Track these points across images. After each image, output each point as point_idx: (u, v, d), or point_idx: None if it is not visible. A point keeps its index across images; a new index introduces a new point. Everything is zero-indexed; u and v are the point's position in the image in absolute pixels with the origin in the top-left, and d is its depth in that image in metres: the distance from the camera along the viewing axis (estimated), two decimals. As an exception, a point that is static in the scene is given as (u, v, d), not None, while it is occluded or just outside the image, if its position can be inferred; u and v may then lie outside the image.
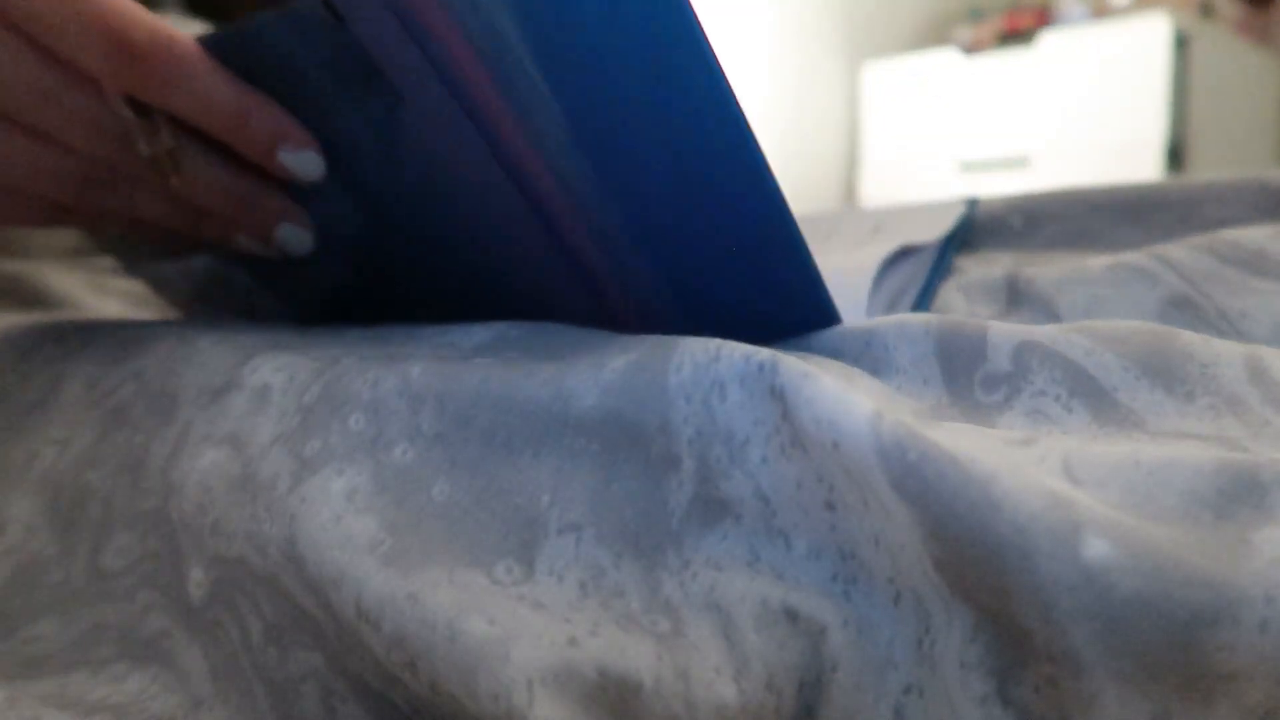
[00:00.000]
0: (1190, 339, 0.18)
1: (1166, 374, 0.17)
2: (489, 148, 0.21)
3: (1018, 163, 1.86)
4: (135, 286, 0.41)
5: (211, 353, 0.22)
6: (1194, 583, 0.12)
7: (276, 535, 0.17)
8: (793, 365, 0.16)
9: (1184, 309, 0.24)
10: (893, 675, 0.15)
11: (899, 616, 0.15)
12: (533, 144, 0.20)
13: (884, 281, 0.29)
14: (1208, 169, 1.78)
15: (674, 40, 0.17)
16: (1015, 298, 0.27)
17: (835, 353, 0.20)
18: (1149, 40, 1.68)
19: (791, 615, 0.15)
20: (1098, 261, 0.26)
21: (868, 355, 0.20)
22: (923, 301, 0.29)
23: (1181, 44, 1.69)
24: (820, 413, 0.15)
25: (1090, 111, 1.76)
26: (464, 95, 0.20)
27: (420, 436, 0.18)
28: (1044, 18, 2.01)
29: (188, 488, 0.20)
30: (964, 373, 0.18)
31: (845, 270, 0.28)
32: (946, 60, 1.95)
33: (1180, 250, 0.25)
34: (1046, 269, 0.27)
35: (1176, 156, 1.69)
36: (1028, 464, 0.15)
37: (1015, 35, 1.98)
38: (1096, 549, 0.12)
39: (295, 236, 0.26)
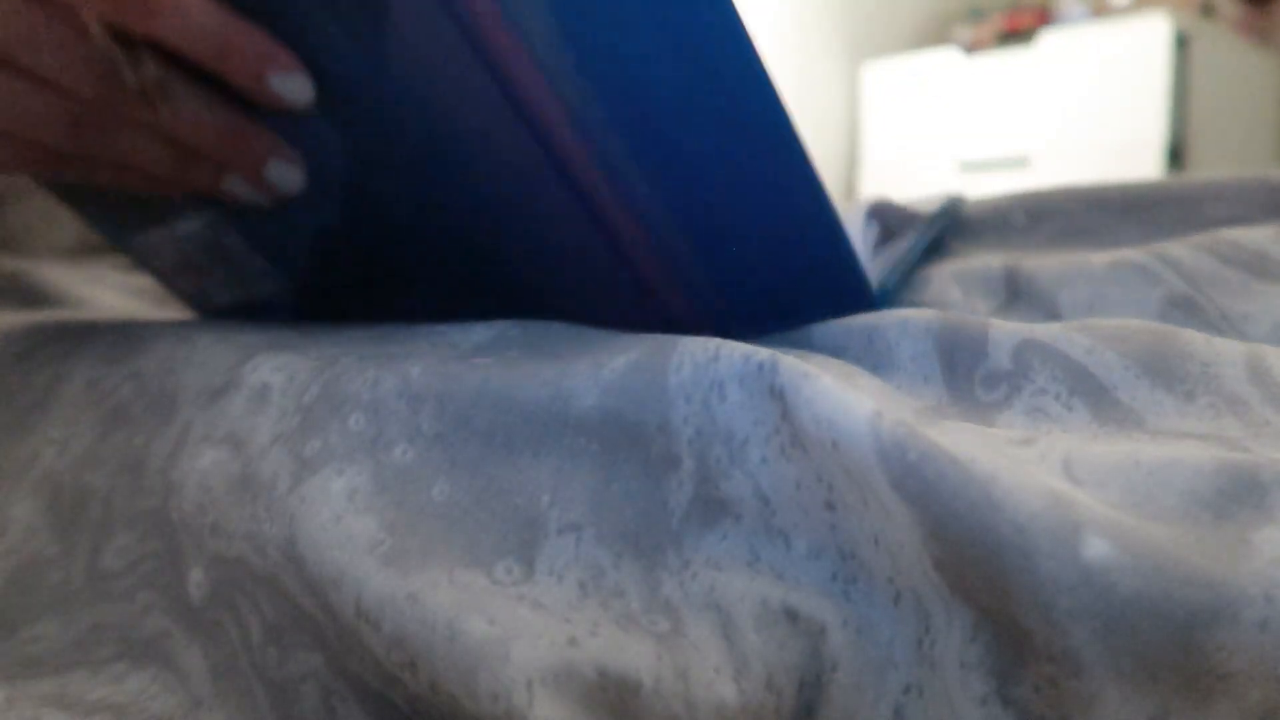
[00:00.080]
0: (1191, 338, 0.18)
1: (1167, 373, 0.17)
2: (498, 89, 0.20)
3: (1018, 163, 1.86)
4: (134, 281, 0.41)
5: (211, 352, 0.22)
6: (1194, 582, 0.12)
7: (276, 535, 0.17)
8: (792, 365, 0.16)
9: (1185, 309, 0.23)
10: (893, 675, 0.15)
11: (899, 616, 0.15)
12: (540, 70, 0.19)
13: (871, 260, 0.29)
14: (1208, 169, 1.78)
15: (707, 7, 0.17)
16: (1014, 293, 0.27)
17: (839, 349, 0.20)
18: (1149, 40, 1.68)
19: (791, 615, 0.15)
20: (1099, 258, 0.26)
21: (870, 352, 0.20)
22: (905, 276, 0.29)
23: (1181, 44, 1.69)
24: (820, 412, 0.15)
25: (1090, 111, 1.76)
26: (471, 31, 0.20)
27: (420, 436, 0.18)
28: (1044, 17, 2.01)
29: (187, 488, 0.20)
30: (964, 370, 0.18)
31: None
32: (946, 60, 1.95)
33: (1182, 250, 0.25)
34: (1047, 264, 0.27)
35: (1176, 156, 1.69)
36: (1028, 464, 0.15)
37: (1015, 35, 1.98)
38: (1096, 549, 0.12)
39: (286, 173, 0.26)
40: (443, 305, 0.28)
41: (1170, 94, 1.67)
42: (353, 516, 0.17)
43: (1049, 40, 1.80)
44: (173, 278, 0.34)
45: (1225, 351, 0.18)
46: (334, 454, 0.18)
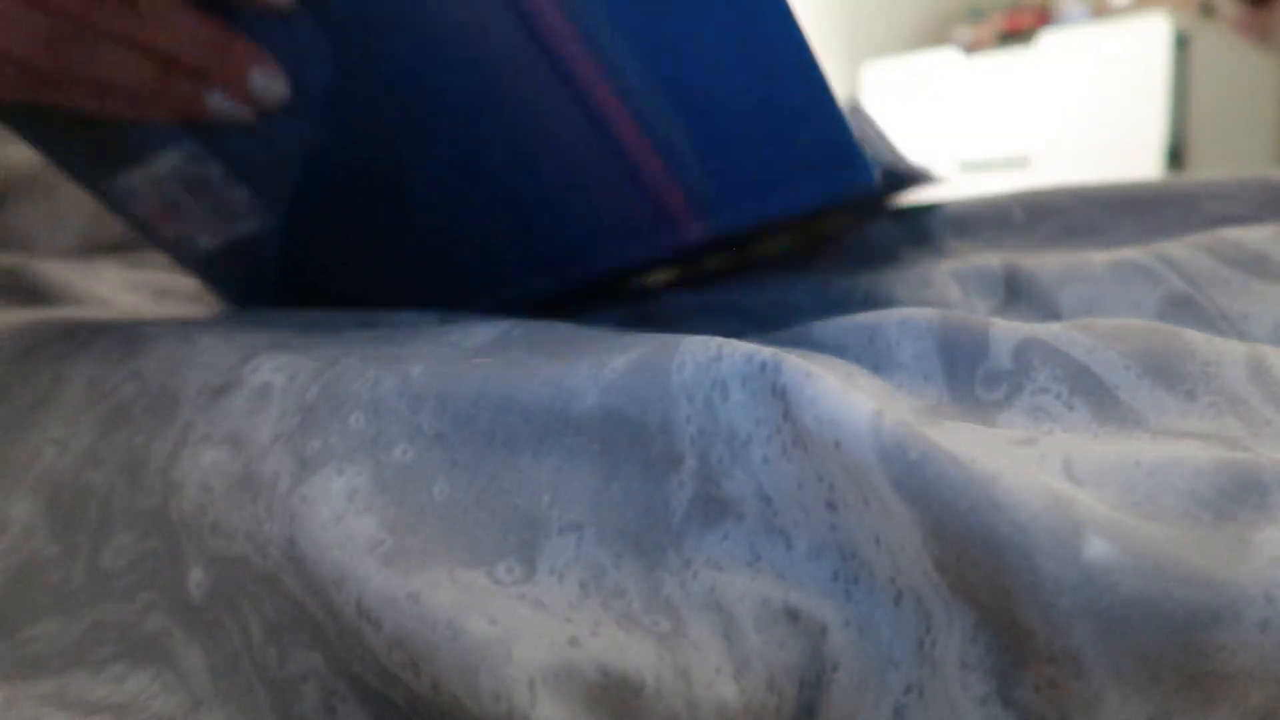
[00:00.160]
0: (1192, 337, 0.18)
1: (1168, 372, 0.17)
2: None
3: (1018, 163, 1.86)
4: (134, 277, 0.41)
5: (212, 352, 0.22)
6: (1194, 582, 0.12)
7: (277, 535, 0.17)
8: (795, 364, 0.16)
9: (1185, 309, 0.23)
10: (893, 675, 0.15)
11: (900, 616, 0.15)
12: None
13: None
14: (1208, 169, 1.78)
15: None
16: (1014, 292, 0.27)
17: (839, 348, 0.20)
18: (1149, 40, 1.68)
19: (792, 615, 0.15)
20: (1098, 258, 0.26)
21: (870, 350, 0.20)
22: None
23: (1181, 44, 1.69)
24: (822, 412, 0.15)
25: (1090, 111, 1.76)
26: None
27: (421, 436, 0.18)
28: (1044, 18, 2.01)
29: (188, 487, 0.20)
30: (965, 370, 0.18)
31: None
32: (946, 60, 1.95)
33: (1182, 249, 0.25)
34: (1046, 263, 0.27)
35: (1176, 156, 1.69)
36: (1028, 463, 0.15)
37: (1015, 35, 1.98)
38: (1097, 549, 0.12)
39: (268, 84, 0.26)
40: (432, 227, 0.27)
41: (1170, 94, 1.67)
42: (353, 516, 0.17)
43: (1049, 40, 1.80)
44: (154, 225, 0.33)
45: (1226, 351, 0.18)
46: (334, 453, 0.18)
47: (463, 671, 0.14)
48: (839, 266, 0.34)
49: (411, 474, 0.18)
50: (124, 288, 0.40)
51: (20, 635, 0.20)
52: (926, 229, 0.35)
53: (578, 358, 0.18)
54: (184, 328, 0.25)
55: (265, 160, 0.29)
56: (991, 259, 0.28)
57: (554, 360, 0.19)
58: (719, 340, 0.17)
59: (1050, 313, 0.25)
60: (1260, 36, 2.06)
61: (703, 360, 0.17)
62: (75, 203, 0.45)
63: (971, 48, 2.01)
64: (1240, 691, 0.13)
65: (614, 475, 0.17)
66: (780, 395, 0.16)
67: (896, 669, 0.15)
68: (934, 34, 2.36)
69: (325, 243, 0.31)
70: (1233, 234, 0.25)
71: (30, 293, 0.37)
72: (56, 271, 0.38)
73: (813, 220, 0.34)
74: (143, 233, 0.34)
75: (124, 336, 0.25)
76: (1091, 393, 0.17)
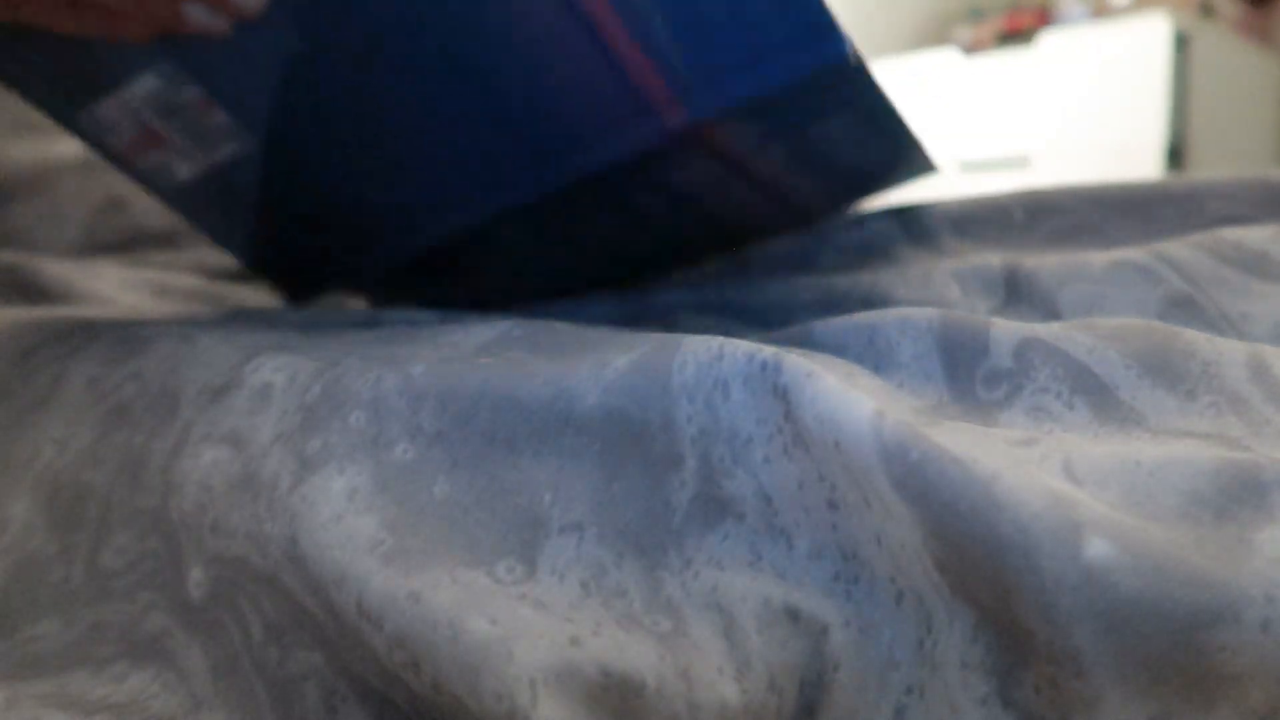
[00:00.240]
0: (1193, 337, 0.18)
1: (1168, 372, 0.17)
2: None
3: (1018, 163, 1.86)
4: (135, 276, 0.41)
5: (213, 352, 0.22)
6: (1195, 583, 0.12)
7: (277, 535, 0.17)
8: (796, 364, 0.16)
9: (1185, 309, 0.23)
10: (894, 675, 0.15)
11: (900, 616, 0.15)
12: None
13: None
14: (1208, 169, 1.78)
15: None
16: (1014, 292, 0.27)
17: (840, 348, 0.20)
18: (1149, 40, 1.68)
19: (793, 615, 0.15)
20: (1099, 258, 0.26)
21: (871, 350, 0.20)
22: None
23: (1181, 44, 1.69)
24: (823, 412, 0.15)
25: (1090, 111, 1.76)
26: None
27: (421, 435, 0.18)
28: (1044, 18, 2.01)
29: (188, 487, 0.20)
30: (966, 369, 0.18)
31: None
32: (946, 60, 1.95)
33: (1182, 249, 0.25)
34: (1046, 263, 0.27)
35: (1176, 156, 1.69)
36: (1029, 464, 0.15)
37: (1015, 35, 1.98)
38: (1098, 549, 0.12)
39: None
40: (417, 136, 0.27)
41: (1170, 94, 1.67)
42: (354, 516, 0.17)
43: (1049, 41, 1.80)
44: (131, 156, 0.33)
45: (1227, 351, 0.18)
46: (335, 453, 0.18)
47: (464, 671, 0.14)
48: (839, 266, 0.34)
49: (412, 473, 0.18)
50: (124, 287, 0.40)
51: (20, 635, 0.20)
52: (926, 229, 0.35)
53: (579, 357, 0.18)
54: (184, 327, 0.25)
55: (243, 78, 0.28)
56: (991, 259, 0.28)
57: (555, 360, 0.19)
58: (720, 340, 0.17)
59: (1050, 313, 0.25)
60: (1260, 36, 2.06)
61: (704, 360, 0.17)
62: (76, 201, 0.45)
63: (971, 48, 2.01)
64: (1241, 692, 0.13)
65: (615, 475, 0.17)
66: (781, 395, 0.16)
67: (897, 669, 0.15)
68: (934, 34, 2.36)
69: (308, 166, 0.30)
70: (1233, 234, 0.25)
71: (30, 291, 0.37)
72: (57, 270, 0.38)
73: (810, 216, 0.34)
74: (120, 167, 0.33)
75: (124, 336, 0.25)
76: (1092, 392, 0.17)
